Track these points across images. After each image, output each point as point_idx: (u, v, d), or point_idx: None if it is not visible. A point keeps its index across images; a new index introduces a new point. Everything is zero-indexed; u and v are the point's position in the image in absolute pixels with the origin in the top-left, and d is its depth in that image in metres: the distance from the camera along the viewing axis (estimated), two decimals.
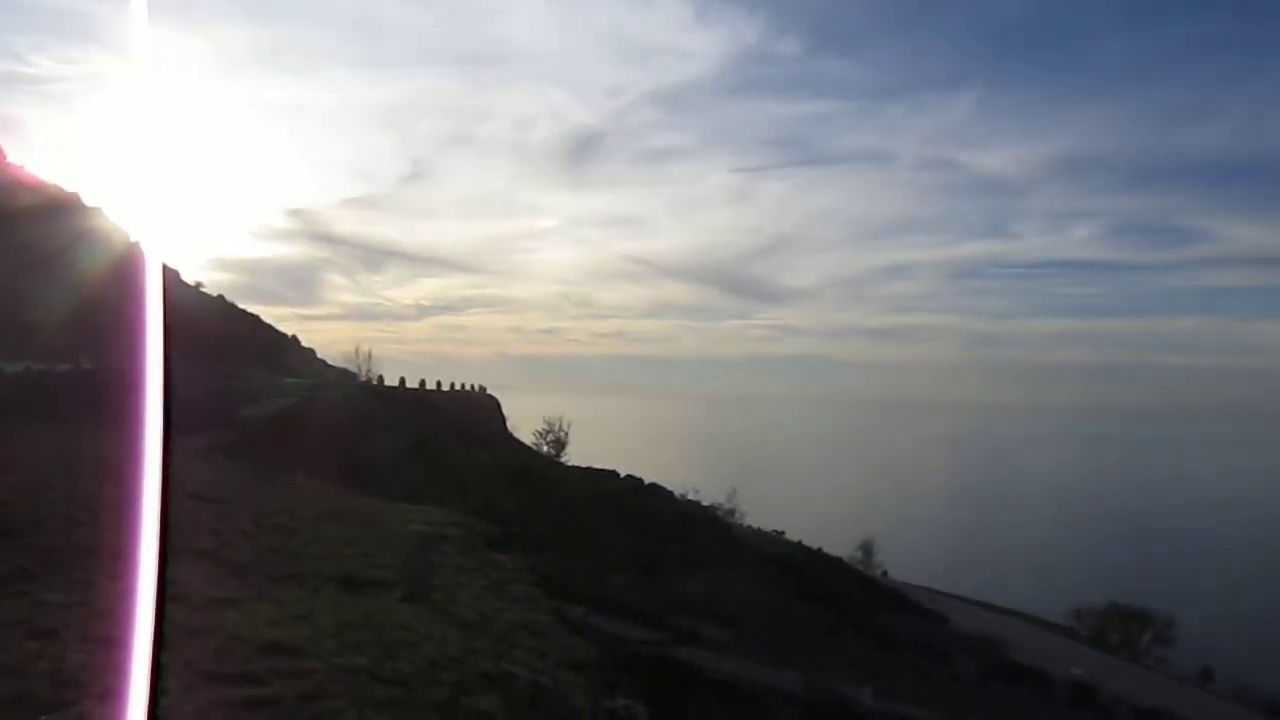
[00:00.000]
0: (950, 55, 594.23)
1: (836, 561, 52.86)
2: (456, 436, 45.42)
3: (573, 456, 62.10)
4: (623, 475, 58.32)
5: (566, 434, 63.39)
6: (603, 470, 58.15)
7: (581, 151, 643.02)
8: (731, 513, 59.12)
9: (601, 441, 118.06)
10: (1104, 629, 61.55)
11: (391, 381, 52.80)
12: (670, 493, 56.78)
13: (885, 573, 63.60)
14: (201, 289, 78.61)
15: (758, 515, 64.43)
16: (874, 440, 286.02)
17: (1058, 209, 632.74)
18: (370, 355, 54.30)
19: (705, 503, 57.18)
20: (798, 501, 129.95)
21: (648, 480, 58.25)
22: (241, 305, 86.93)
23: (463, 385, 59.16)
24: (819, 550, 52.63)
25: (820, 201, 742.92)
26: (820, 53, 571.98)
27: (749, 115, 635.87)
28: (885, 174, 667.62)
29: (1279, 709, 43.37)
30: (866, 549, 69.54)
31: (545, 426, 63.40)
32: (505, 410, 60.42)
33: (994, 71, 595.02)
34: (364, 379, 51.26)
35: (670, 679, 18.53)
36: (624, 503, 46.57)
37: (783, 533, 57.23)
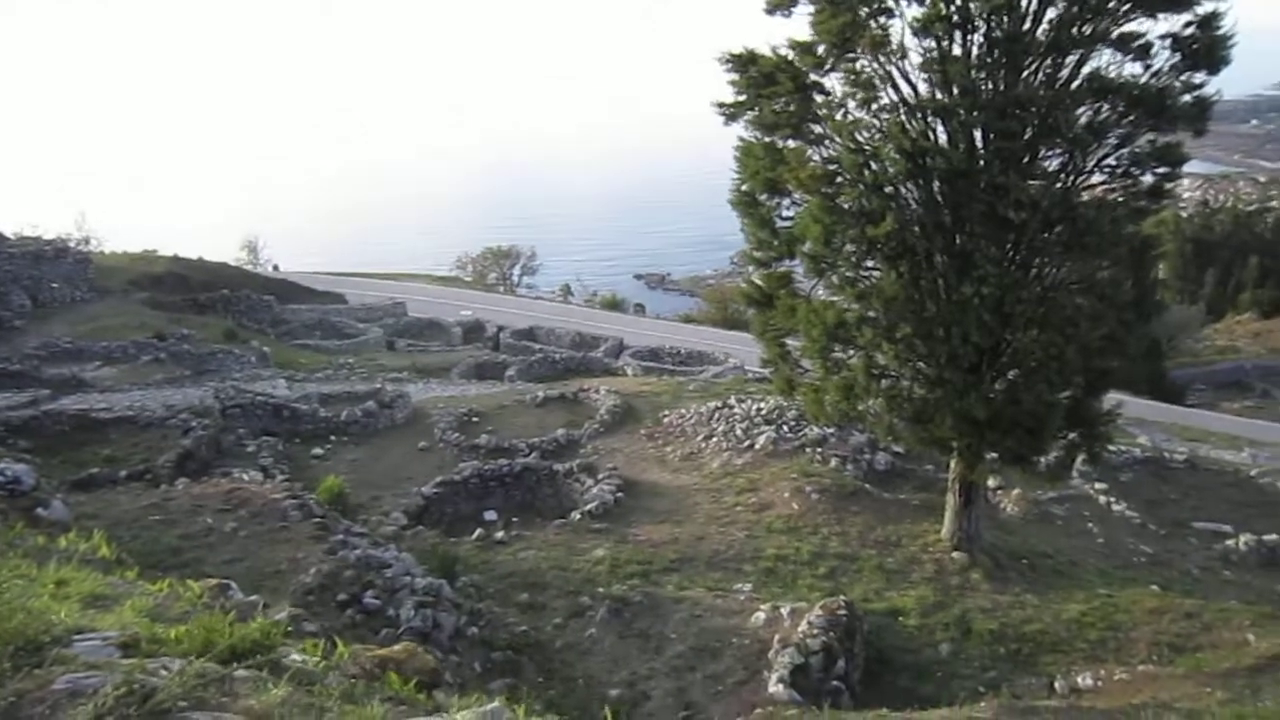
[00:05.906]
0: None
1: (220, 266, 50.12)
2: None
3: None
4: None
5: None
6: None
7: None
8: (86, 241, 51.87)
9: None
10: (483, 271, 69.00)
11: None
12: None
13: (276, 267, 62.39)
14: None
15: (122, 238, 57.50)
16: (236, 133, 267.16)
17: None
18: None
19: (46, 236, 49.19)
20: (167, 212, 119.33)
21: None
22: None
23: None
24: (199, 259, 49.19)
25: None
26: None
27: None
28: None
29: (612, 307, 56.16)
30: (251, 248, 67.08)
31: None
32: None
33: None
34: None
35: (60, 433, 16.68)
36: None
37: (155, 251, 52.06)
